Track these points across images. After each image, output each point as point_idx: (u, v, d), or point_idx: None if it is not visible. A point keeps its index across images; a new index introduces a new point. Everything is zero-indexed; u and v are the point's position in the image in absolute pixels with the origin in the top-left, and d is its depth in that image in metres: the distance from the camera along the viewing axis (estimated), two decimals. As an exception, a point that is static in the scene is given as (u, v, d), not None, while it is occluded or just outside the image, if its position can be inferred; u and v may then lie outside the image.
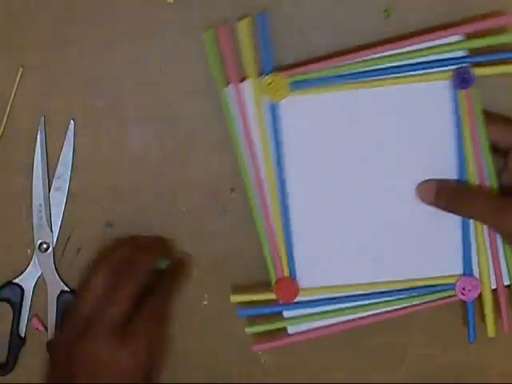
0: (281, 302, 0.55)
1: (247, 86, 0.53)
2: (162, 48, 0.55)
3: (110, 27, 0.55)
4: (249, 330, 0.56)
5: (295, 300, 0.55)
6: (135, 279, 0.52)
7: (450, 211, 0.53)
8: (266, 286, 0.55)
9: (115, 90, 0.56)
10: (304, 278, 0.55)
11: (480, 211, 0.52)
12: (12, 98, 0.56)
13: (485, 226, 0.54)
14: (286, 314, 0.56)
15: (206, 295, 0.58)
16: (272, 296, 0.55)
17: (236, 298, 0.56)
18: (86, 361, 0.50)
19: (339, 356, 0.57)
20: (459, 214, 0.53)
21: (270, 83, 0.52)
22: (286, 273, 0.55)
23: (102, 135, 0.56)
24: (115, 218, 0.57)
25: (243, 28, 0.52)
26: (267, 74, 0.52)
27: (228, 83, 0.53)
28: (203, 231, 0.57)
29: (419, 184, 0.54)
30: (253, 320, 0.56)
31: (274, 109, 0.53)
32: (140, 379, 0.50)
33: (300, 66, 0.53)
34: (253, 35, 0.53)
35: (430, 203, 0.53)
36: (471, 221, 0.54)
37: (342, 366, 0.57)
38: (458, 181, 0.54)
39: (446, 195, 0.53)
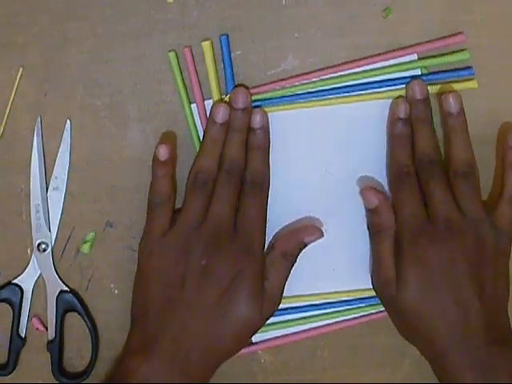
0: None
1: (210, 105, 0.55)
2: (162, 48, 0.55)
3: (109, 27, 0.55)
4: None
5: None
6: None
7: None
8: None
9: (115, 90, 0.56)
10: None
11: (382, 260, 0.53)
12: (12, 98, 0.56)
13: None
14: None
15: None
16: None
17: None
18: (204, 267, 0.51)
19: (339, 356, 0.57)
20: None
21: None
22: None
23: (102, 135, 0.56)
24: (115, 218, 0.57)
25: (206, 49, 0.54)
26: (229, 94, 0.54)
27: (193, 101, 0.55)
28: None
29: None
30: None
31: None
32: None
33: (261, 85, 0.55)
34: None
35: None
36: None
37: (342, 365, 0.57)
38: None
39: None
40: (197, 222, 0.52)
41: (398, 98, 0.55)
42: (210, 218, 0.52)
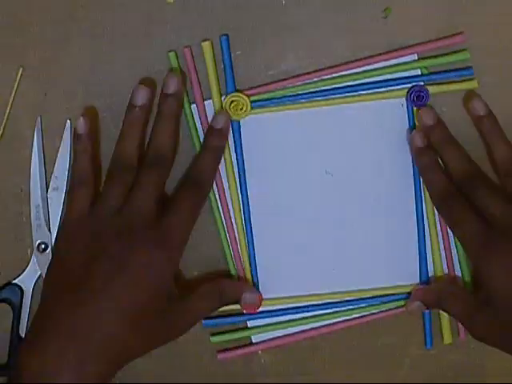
0: (245, 311, 0.57)
1: (210, 105, 0.55)
2: (162, 48, 0.55)
3: (109, 27, 0.55)
4: (214, 339, 0.57)
5: (259, 310, 0.57)
6: (162, 167, 0.52)
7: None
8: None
9: (115, 90, 0.56)
10: (267, 289, 0.57)
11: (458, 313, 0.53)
12: (12, 98, 0.56)
13: (440, 236, 0.56)
14: (250, 323, 0.58)
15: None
16: (237, 306, 0.56)
17: None
18: (112, 255, 0.49)
19: (339, 356, 0.57)
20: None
21: (231, 102, 0.54)
22: (250, 284, 0.57)
23: (102, 135, 0.56)
24: (115, 218, 0.57)
25: (206, 49, 0.54)
26: (229, 94, 0.55)
27: (193, 101, 0.55)
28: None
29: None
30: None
31: (236, 126, 0.55)
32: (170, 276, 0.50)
33: (262, 85, 0.55)
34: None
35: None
36: (426, 231, 0.56)
37: (342, 365, 0.57)
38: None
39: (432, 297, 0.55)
40: (114, 208, 0.50)
41: (413, 130, 0.55)
42: (128, 207, 0.50)
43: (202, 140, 0.55)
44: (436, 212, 0.55)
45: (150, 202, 0.50)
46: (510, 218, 0.50)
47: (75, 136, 0.53)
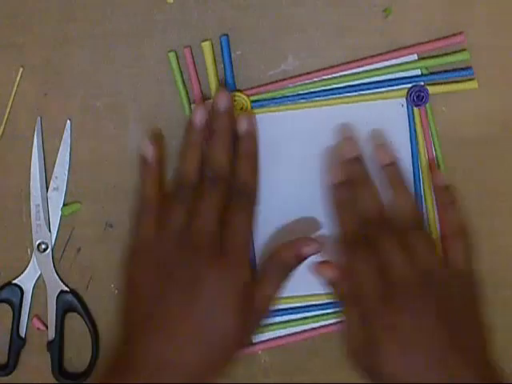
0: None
1: (210, 106, 0.54)
2: (162, 48, 0.55)
3: (109, 27, 0.55)
4: None
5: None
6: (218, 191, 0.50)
7: None
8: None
9: (115, 91, 0.56)
10: None
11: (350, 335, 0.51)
12: (12, 97, 0.56)
13: (439, 236, 0.56)
14: None
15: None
16: None
17: None
18: (182, 283, 0.48)
19: (339, 356, 0.57)
20: None
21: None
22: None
23: (102, 135, 0.56)
24: (115, 218, 0.57)
25: (206, 49, 0.54)
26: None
27: (193, 101, 0.55)
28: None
29: None
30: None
31: None
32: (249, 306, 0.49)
33: (262, 85, 0.55)
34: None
35: None
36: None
37: (342, 365, 0.57)
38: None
39: None
40: (178, 232, 0.49)
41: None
42: (193, 230, 0.49)
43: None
44: (436, 212, 0.55)
45: (211, 225, 0.49)
46: (402, 272, 0.50)
47: (142, 161, 0.53)
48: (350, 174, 0.54)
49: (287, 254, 0.52)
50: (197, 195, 0.50)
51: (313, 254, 0.52)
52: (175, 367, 0.47)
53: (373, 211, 0.52)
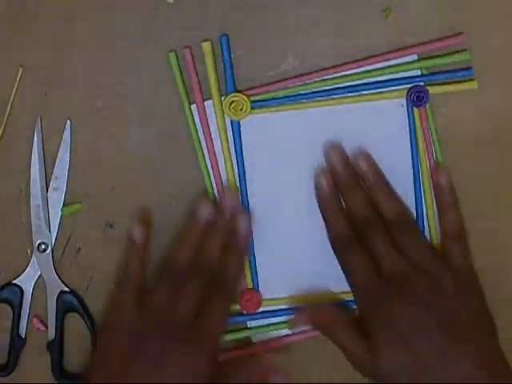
0: (245, 312, 0.57)
1: (210, 106, 0.55)
2: (162, 48, 0.55)
3: (110, 27, 0.55)
4: None
5: (259, 310, 0.57)
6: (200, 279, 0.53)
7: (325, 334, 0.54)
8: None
9: (115, 90, 0.56)
10: (267, 289, 0.57)
11: (349, 348, 0.52)
12: (12, 98, 0.56)
13: (439, 236, 0.56)
14: (249, 323, 0.58)
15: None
16: (237, 307, 0.57)
17: None
18: (151, 357, 0.50)
19: (339, 356, 0.57)
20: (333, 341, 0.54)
21: (231, 103, 0.54)
22: (250, 285, 0.57)
23: (102, 135, 0.56)
24: (115, 218, 0.57)
25: (206, 49, 0.54)
26: (229, 94, 0.55)
27: (193, 101, 0.55)
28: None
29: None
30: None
31: (236, 126, 0.55)
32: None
33: (262, 85, 0.55)
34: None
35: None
36: (426, 231, 0.56)
37: (342, 366, 0.57)
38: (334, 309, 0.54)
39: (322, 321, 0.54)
40: (158, 311, 0.51)
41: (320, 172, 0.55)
42: (171, 312, 0.51)
43: (201, 141, 0.55)
44: (436, 212, 0.56)
45: (188, 311, 0.51)
46: (394, 267, 0.51)
47: (130, 241, 0.54)
48: (337, 180, 0.54)
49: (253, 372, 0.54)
50: (181, 277, 0.53)
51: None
52: None
53: (359, 211, 0.53)
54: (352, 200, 0.54)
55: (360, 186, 0.54)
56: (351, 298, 0.56)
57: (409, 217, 0.54)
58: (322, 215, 0.55)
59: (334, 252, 0.54)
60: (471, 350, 0.49)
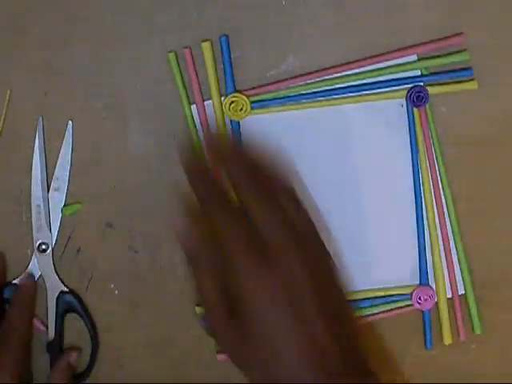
0: None
1: (210, 106, 0.55)
2: (162, 48, 0.55)
3: (110, 27, 0.55)
4: None
5: None
6: None
7: None
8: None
9: (115, 90, 0.56)
10: None
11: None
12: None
13: (440, 238, 0.56)
14: None
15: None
16: None
17: (201, 310, 0.57)
18: None
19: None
20: None
21: (231, 103, 0.54)
22: None
23: (102, 135, 0.56)
24: (115, 218, 0.57)
25: (206, 50, 0.54)
26: (229, 94, 0.55)
27: (193, 101, 0.55)
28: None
29: None
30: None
31: (236, 126, 0.55)
32: None
33: (262, 85, 0.55)
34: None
35: None
36: (426, 234, 0.56)
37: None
38: None
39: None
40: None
41: None
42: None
43: (202, 141, 0.55)
44: (436, 212, 0.56)
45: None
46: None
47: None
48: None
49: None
50: None
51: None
52: None
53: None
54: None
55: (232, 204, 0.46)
56: (364, 297, 0.57)
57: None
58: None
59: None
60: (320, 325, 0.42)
